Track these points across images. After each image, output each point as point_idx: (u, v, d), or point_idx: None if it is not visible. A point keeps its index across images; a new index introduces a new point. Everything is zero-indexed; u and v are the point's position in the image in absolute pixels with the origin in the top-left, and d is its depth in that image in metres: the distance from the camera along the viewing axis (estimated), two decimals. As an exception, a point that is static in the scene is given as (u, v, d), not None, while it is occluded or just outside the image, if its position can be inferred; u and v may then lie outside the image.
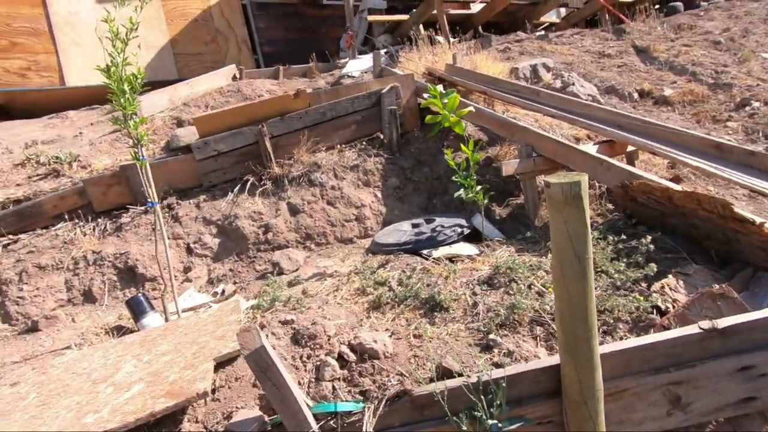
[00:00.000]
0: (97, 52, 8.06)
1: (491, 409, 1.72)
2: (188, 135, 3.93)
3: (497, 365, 1.85)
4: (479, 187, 3.08)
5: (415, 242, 3.18)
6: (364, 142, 4.26)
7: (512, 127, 3.52)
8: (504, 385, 1.64)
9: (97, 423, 1.66)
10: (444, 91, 2.95)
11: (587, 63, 6.10)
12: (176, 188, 3.79)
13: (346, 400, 1.85)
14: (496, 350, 1.93)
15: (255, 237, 3.59)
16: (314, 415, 1.76)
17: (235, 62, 7.28)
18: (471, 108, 3.18)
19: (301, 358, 2.01)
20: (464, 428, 1.72)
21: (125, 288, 3.29)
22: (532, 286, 2.32)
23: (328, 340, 2.10)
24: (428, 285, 2.53)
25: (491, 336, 2.00)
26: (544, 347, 2.03)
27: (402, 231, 3.40)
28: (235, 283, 3.32)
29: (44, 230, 3.52)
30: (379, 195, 3.99)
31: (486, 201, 3.12)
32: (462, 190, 3.09)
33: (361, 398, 1.86)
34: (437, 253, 3.01)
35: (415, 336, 2.13)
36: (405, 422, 1.86)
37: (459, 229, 3.24)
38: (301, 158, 3.97)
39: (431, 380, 1.87)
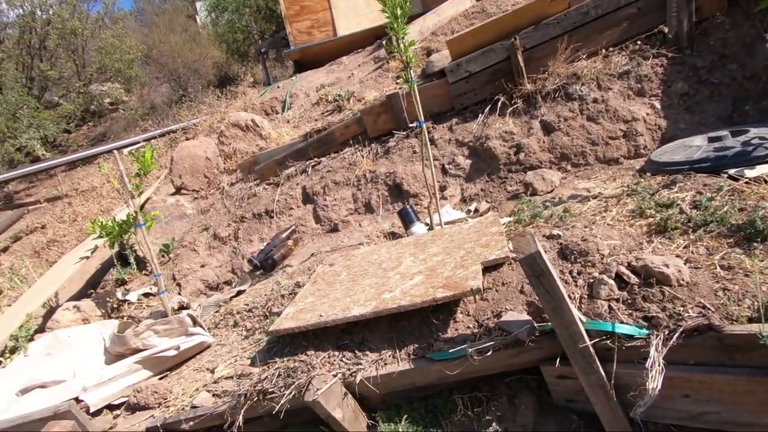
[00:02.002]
0: (356, 2, 8.98)
1: None
2: (441, 60, 4.06)
3: None
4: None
5: (714, 159, 2.50)
6: (638, 42, 3.49)
7: None
8: None
9: (392, 300, 2.03)
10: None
11: None
12: (431, 112, 4.04)
13: (625, 323, 1.67)
14: None
15: (506, 157, 3.54)
16: (587, 331, 1.68)
17: (477, -18, 6.98)
18: (843, -46, 2.11)
19: (570, 273, 1.92)
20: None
21: (394, 202, 3.83)
22: None
23: (602, 258, 1.91)
24: (741, 209, 1.97)
25: None
26: None
27: (693, 147, 2.72)
28: (487, 202, 3.41)
29: (335, 154, 4.39)
30: (658, 105, 3.26)
31: None
32: (808, 83, 2.18)
33: (645, 324, 1.65)
34: (753, 172, 2.29)
35: (722, 267, 1.71)
36: (704, 361, 1.58)
37: (792, 141, 2.35)
38: (556, 70, 3.57)
39: (750, 320, 1.49)
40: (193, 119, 7.50)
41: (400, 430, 1.94)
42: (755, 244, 1.77)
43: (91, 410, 2.41)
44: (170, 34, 13.05)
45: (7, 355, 3.27)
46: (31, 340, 3.33)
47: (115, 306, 3.91)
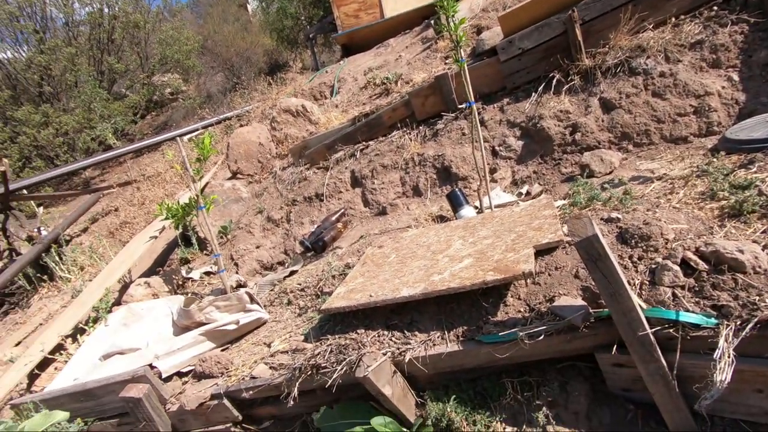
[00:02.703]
0: (403, -18, 8.63)
1: None
2: (492, 37, 3.92)
3: None
4: None
5: (802, 135, 2.25)
6: (714, 8, 3.18)
7: None
8: None
9: (441, 282, 2.04)
10: None
11: None
12: (481, 93, 3.92)
13: (691, 311, 1.58)
14: None
15: (560, 138, 3.39)
16: (647, 319, 1.60)
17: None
18: None
19: (630, 258, 1.83)
20: None
21: (442, 185, 3.80)
22: None
23: (666, 243, 1.81)
24: (833, 191, 1.77)
25: None
26: None
27: (777, 122, 2.46)
28: (539, 184, 3.29)
29: (383, 137, 4.40)
30: (735, 78, 2.97)
31: None
32: None
33: (714, 313, 1.55)
34: None
35: (807, 254, 1.56)
36: (782, 355, 1.46)
37: None
38: (619, 43, 3.34)
39: (840, 312, 1.36)
40: (247, 106, 7.77)
41: (449, 409, 1.97)
42: None
43: (163, 376, 2.64)
44: (223, 24, 13.51)
45: (91, 324, 3.64)
46: (109, 312, 3.68)
47: (180, 283, 4.21)
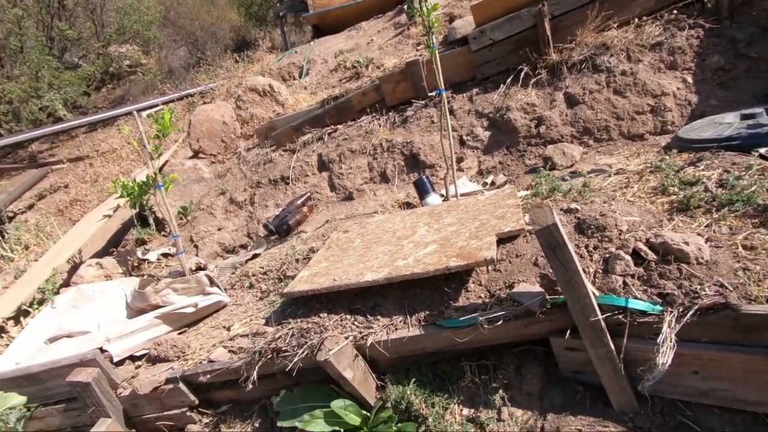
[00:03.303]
0: (377, -37, 8.41)
1: None
2: (464, 26, 3.93)
3: None
4: None
5: (746, 137, 2.40)
6: (674, 11, 3.31)
7: None
8: None
9: (405, 267, 2.05)
10: None
11: None
12: (451, 82, 3.94)
13: (639, 299, 1.67)
14: None
15: (526, 130, 3.46)
16: (599, 305, 1.68)
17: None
18: None
19: (586, 247, 1.90)
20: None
21: (410, 172, 3.80)
22: None
23: (620, 234, 1.89)
24: (769, 189, 1.90)
25: None
26: None
27: (724, 124, 2.61)
28: (504, 175, 3.36)
29: (352, 122, 4.34)
30: (690, 80, 3.13)
31: None
32: None
33: (660, 301, 1.64)
34: (786, 151, 2.20)
35: (745, 247, 1.68)
36: (718, 340, 1.57)
37: (832, 120, 2.24)
38: (585, 40, 3.43)
39: (770, 301, 1.47)
40: (211, 83, 7.46)
41: (408, 392, 2.00)
42: (782, 225, 1.72)
43: (115, 360, 2.53)
44: (188, -5, 12.83)
45: (36, 306, 3.43)
46: (57, 293, 3.48)
47: (136, 264, 4.03)
